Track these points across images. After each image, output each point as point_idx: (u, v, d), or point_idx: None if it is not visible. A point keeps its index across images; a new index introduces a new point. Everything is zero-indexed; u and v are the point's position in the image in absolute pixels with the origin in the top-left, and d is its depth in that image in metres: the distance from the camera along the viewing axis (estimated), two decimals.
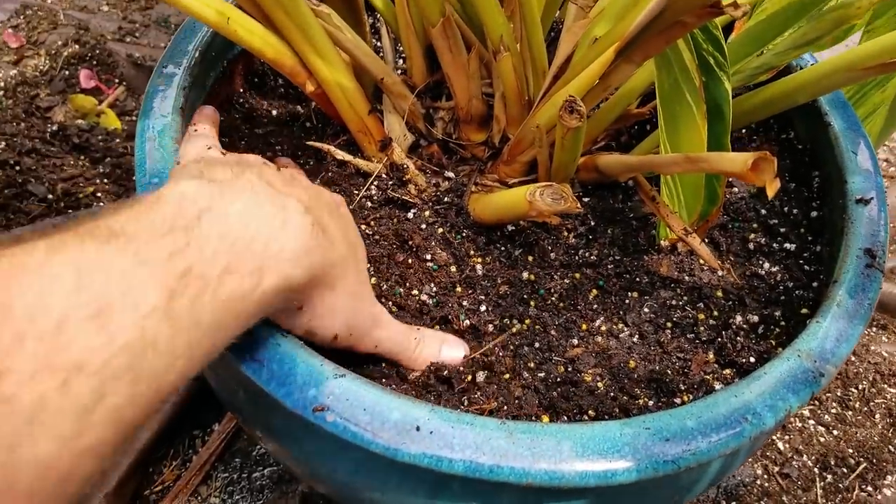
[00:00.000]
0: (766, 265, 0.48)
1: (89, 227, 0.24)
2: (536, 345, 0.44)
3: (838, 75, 0.40)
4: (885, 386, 0.75)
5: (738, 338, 0.43)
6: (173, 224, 0.26)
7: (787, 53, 0.42)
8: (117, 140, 0.84)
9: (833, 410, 0.74)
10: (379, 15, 0.56)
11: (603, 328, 0.45)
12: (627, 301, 0.46)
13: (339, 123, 0.51)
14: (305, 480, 0.60)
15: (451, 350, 0.41)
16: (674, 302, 0.46)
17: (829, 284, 0.41)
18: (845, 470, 0.70)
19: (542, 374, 0.42)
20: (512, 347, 0.44)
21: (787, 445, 0.71)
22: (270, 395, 0.34)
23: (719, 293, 0.47)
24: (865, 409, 0.74)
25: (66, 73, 0.94)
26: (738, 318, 0.45)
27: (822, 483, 0.69)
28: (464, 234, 0.47)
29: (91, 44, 0.98)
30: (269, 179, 0.32)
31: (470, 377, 0.41)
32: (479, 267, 0.46)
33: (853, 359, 0.77)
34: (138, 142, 0.43)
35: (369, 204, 0.48)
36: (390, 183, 0.48)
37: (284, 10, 0.43)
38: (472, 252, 0.46)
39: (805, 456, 0.71)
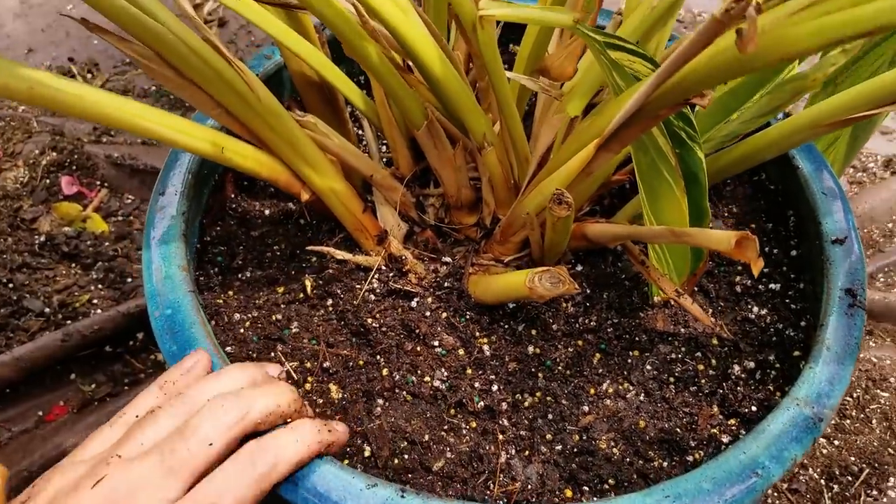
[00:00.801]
0: (755, 308, 0.51)
1: None
2: (549, 416, 0.46)
3: (803, 133, 0.43)
4: (878, 391, 0.78)
5: (738, 387, 0.46)
6: None
7: (752, 122, 0.45)
8: (106, 243, 0.85)
9: (832, 421, 0.76)
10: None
11: (610, 390, 0.47)
12: (630, 360, 0.49)
13: (334, 220, 0.53)
14: None
15: None
16: (673, 356, 0.49)
17: (817, 328, 0.44)
18: (850, 478, 0.72)
19: (559, 447, 0.44)
20: (527, 422, 0.46)
21: None
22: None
23: (715, 341, 0.49)
24: (862, 416, 0.76)
25: (47, 181, 0.95)
26: (736, 367, 0.47)
27: (829, 494, 0.71)
28: (467, 317, 0.49)
29: (68, 149, 0.99)
30: None
31: (494, 460, 0.43)
32: (485, 347, 0.48)
33: None
34: (146, 275, 0.45)
35: (373, 297, 0.50)
36: (391, 275, 0.50)
37: (272, 129, 0.45)
38: (477, 333, 0.48)
39: (811, 469, 0.73)
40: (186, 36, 0.41)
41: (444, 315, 0.49)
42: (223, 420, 0.36)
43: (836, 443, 0.75)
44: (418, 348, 0.48)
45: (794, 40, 0.27)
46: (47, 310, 0.77)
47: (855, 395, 0.78)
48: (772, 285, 0.52)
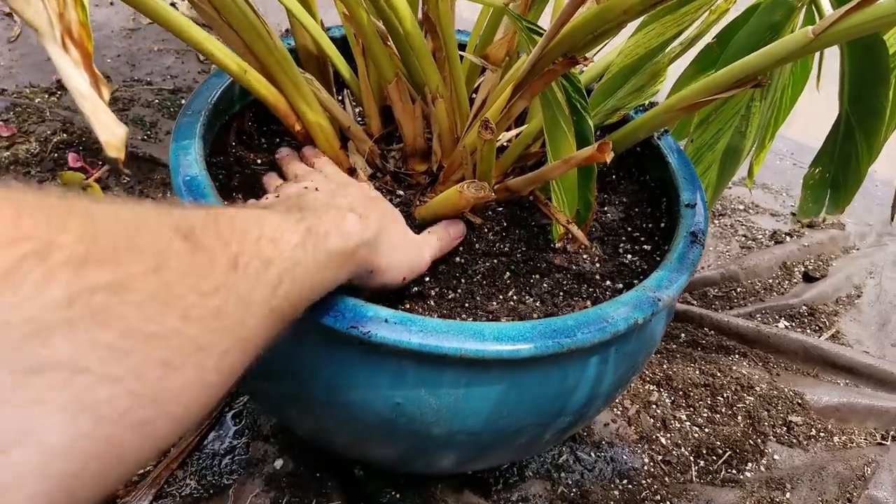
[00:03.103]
0: (630, 257, 0.67)
1: (248, 205, 0.41)
2: (466, 305, 0.60)
3: (660, 116, 0.61)
4: (744, 395, 0.93)
5: (608, 293, 0.61)
6: (290, 207, 0.44)
7: (625, 98, 0.63)
8: None
9: (705, 414, 0.91)
10: (345, 89, 0.76)
11: (514, 297, 0.62)
12: (532, 280, 0.63)
13: None
14: (292, 409, 0.71)
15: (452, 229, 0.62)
16: (565, 281, 0.64)
17: (668, 252, 0.60)
18: (714, 458, 0.86)
19: (470, 319, 0.58)
20: (449, 306, 0.59)
21: (669, 441, 0.87)
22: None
23: (597, 276, 0.65)
24: (730, 412, 0.91)
25: (55, 155, 1.09)
26: (609, 283, 0.62)
27: (696, 467, 0.85)
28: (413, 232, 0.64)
29: (77, 133, 1.13)
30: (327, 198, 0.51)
31: None
32: None
33: (719, 375, 0.95)
34: (172, 156, 0.59)
35: None
36: None
37: (282, 70, 0.61)
38: None
39: (682, 448, 0.86)
40: None
41: None
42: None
43: (706, 430, 0.89)
44: None
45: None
46: None
47: (726, 395, 0.93)
48: (645, 246, 0.69)
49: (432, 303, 0.59)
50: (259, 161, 0.74)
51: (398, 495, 0.79)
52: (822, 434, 0.92)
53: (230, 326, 0.31)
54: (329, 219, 0.44)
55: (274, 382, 0.59)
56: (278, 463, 0.80)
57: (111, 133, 0.36)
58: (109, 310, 0.25)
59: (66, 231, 0.24)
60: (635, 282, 0.63)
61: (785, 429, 0.91)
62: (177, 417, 0.28)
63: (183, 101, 1.21)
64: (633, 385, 0.93)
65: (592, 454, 0.84)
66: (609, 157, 0.50)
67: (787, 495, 0.81)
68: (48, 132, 1.14)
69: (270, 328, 0.36)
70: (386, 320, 0.48)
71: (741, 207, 1.32)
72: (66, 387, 0.23)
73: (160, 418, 0.27)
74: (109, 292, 0.25)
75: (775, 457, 0.87)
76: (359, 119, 0.78)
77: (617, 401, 0.91)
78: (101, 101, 0.36)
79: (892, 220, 0.93)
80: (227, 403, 0.86)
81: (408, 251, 0.54)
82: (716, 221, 1.27)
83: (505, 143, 0.72)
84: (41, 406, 0.22)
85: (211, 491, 0.76)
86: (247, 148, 0.76)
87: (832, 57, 0.74)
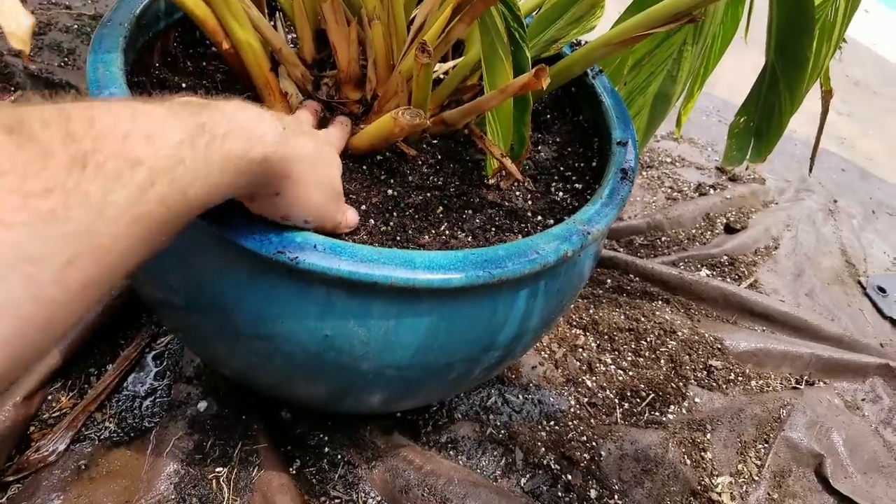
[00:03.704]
0: (562, 194, 0.67)
1: (141, 98, 0.36)
2: (398, 238, 0.59)
3: (598, 50, 0.60)
4: (667, 339, 0.96)
5: (539, 228, 0.60)
6: (189, 102, 0.37)
7: (563, 29, 0.62)
8: None
9: (629, 358, 0.93)
10: (277, 12, 0.72)
11: (447, 232, 0.61)
12: (464, 215, 0.62)
13: (245, 83, 0.65)
14: (209, 344, 0.69)
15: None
16: (497, 217, 0.63)
17: (599, 188, 0.60)
18: (638, 400, 0.88)
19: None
20: (378, 242, 0.58)
21: (594, 383, 0.89)
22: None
23: (529, 212, 0.64)
24: (653, 356, 0.94)
25: None
26: (540, 219, 0.62)
27: (620, 409, 0.87)
28: (344, 162, 0.61)
29: None
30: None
31: None
32: (356, 185, 0.60)
33: (643, 320, 0.97)
34: (90, 68, 0.55)
35: None
36: None
37: None
38: (350, 174, 0.61)
39: (608, 391, 0.89)
40: None
41: None
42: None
43: (631, 374, 0.91)
44: None
45: None
46: None
47: (649, 339, 0.95)
48: (577, 185, 0.69)
49: (363, 235, 0.58)
50: (184, 85, 0.70)
51: (326, 438, 0.78)
52: (740, 378, 0.96)
53: (73, 233, 0.27)
54: (239, 118, 0.39)
55: (198, 315, 0.56)
56: (202, 405, 0.77)
57: (16, 22, 0.32)
58: None
59: None
60: (566, 218, 0.63)
61: (705, 373, 0.94)
62: (4, 339, 0.24)
63: None
64: (559, 329, 0.95)
65: (520, 396, 0.86)
66: (546, 82, 0.49)
67: (708, 436, 0.85)
68: None
69: (141, 237, 0.31)
70: (315, 246, 0.47)
71: (668, 161, 1.35)
72: None
73: None
74: None
75: (696, 399, 0.90)
76: (292, 45, 0.75)
77: (544, 344, 0.92)
78: None
79: (809, 171, 0.96)
80: (147, 344, 0.83)
81: (327, 195, 0.49)
82: (644, 173, 1.30)
83: (441, 76, 0.70)
84: None
85: (132, 434, 0.73)
86: (171, 70, 0.72)
87: (761, 17, 0.75)
